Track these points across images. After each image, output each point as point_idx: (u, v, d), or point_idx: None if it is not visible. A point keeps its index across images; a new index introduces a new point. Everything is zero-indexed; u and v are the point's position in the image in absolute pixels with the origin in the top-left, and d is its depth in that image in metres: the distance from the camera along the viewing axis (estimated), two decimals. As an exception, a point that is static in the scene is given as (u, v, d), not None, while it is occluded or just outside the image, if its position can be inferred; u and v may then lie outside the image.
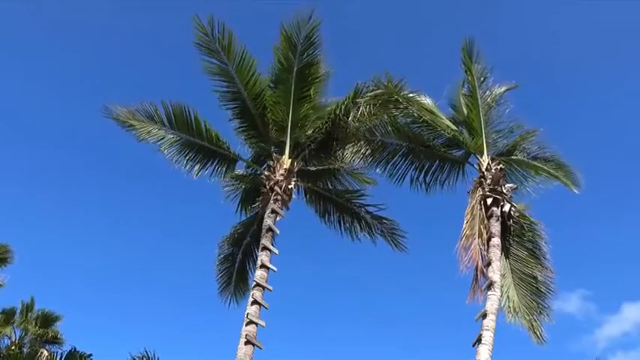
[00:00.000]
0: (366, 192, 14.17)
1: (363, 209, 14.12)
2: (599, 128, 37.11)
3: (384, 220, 14.10)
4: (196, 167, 13.56)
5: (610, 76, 36.45)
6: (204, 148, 13.41)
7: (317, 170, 13.99)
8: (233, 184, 14.24)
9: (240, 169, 14.14)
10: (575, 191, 12.78)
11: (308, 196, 14.34)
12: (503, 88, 13.46)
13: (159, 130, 13.03)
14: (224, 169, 13.80)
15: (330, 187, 14.29)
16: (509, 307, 11.57)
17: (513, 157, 13.14)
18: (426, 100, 12.99)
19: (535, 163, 13.09)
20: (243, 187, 14.24)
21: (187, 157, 13.46)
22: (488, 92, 13.16)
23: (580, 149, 34.89)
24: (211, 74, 12.99)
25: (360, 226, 14.25)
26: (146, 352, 11.96)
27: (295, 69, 12.68)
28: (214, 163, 13.68)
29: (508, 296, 11.66)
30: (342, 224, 14.36)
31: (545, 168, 12.93)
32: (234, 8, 30.93)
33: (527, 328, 11.55)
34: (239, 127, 13.66)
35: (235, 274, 14.48)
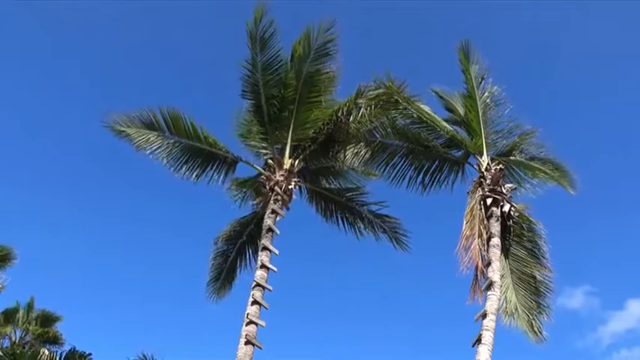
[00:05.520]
0: (366, 190, 14.21)
1: (364, 208, 14.14)
2: (602, 126, 37.12)
3: (386, 218, 14.11)
4: (196, 171, 13.62)
5: (610, 75, 36.46)
6: (203, 152, 13.45)
7: (318, 168, 13.98)
8: (239, 190, 14.29)
9: (241, 177, 14.16)
10: (572, 192, 12.67)
11: (309, 195, 14.36)
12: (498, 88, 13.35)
13: (157, 136, 13.10)
14: (224, 171, 13.81)
15: (331, 185, 14.32)
16: (507, 310, 11.58)
17: (512, 158, 13.09)
18: (425, 108, 12.98)
19: (532, 163, 13.01)
20: (252, 189, 14.24)
21: (187, 162, 13.51)
22: (487, 93, 13.15)
23: (583, 147, 34.90)
24: (245, 63, 12.83)
25: (364, 224, 14.26)
26: (144, 355, 11.90)
27: (304, 73, 12.72)
28: (214, 166, 13.71)
29: (506, 297, 11.67)
30: (344, 222, 14.36)
31: (543, 169, 12.84)
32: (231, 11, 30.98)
33: (526, 328, 11.58)
34: (251, 120, 13.62)
35: (225, 272, 14.55)
